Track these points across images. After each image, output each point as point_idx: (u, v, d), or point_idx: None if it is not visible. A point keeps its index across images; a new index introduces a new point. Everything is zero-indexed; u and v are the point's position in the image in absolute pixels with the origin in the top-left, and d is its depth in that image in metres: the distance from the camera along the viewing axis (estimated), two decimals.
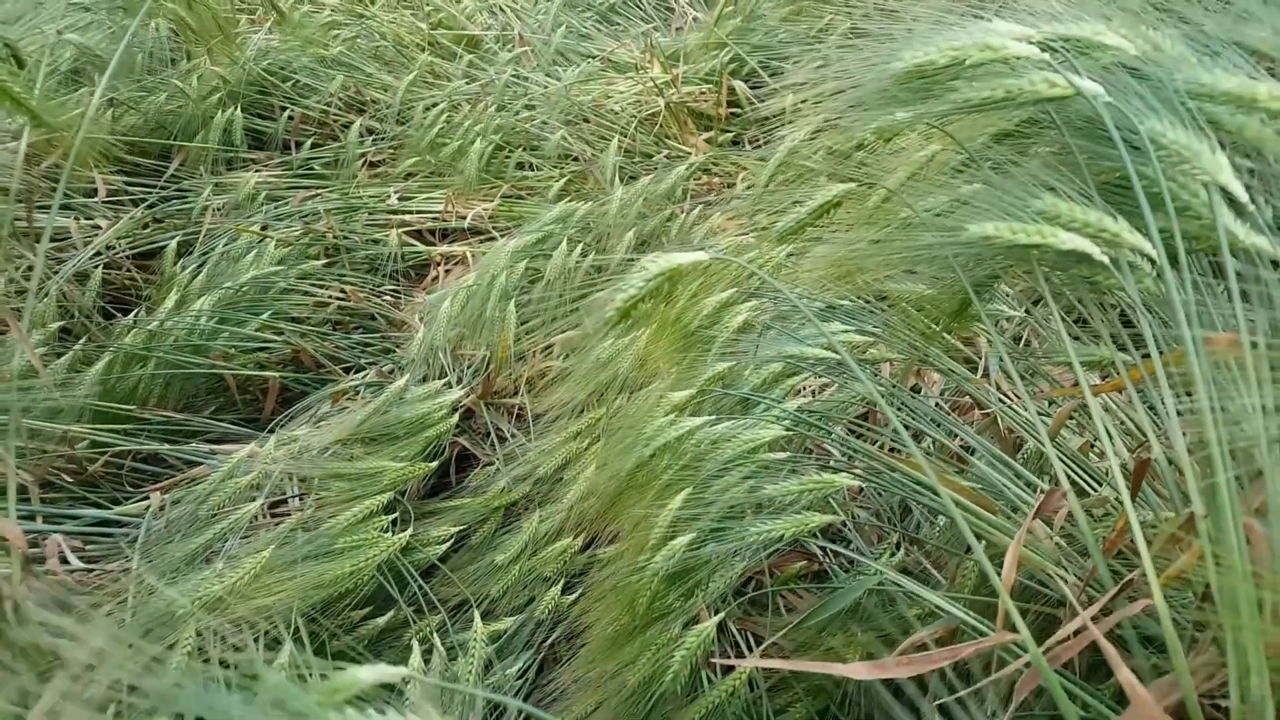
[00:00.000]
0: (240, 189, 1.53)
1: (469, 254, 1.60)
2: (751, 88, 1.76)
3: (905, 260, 0.55)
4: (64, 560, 0.95)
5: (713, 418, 0.70)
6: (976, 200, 0.51)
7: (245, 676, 0.82)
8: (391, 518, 0.95)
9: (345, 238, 1.51)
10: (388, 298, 1.49)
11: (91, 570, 0.98)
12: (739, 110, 1.77)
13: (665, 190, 1.44)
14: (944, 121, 0.54)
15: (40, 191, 1.30)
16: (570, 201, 1.48)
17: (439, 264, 1.61)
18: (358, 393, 1.30)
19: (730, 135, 1.68)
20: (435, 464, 1.06)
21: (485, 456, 1.24)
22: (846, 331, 0.72)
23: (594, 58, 1.88)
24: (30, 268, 1.16)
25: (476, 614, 0.89)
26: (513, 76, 1.77)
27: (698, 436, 0.69)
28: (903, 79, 0.52)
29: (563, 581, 1.04)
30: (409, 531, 0.94)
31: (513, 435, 1.26)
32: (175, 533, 0.99)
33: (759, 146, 1.62)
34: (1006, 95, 0.52)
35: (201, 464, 1.20)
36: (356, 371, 1.35)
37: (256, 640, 0.85)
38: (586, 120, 1.73)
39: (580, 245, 1.41)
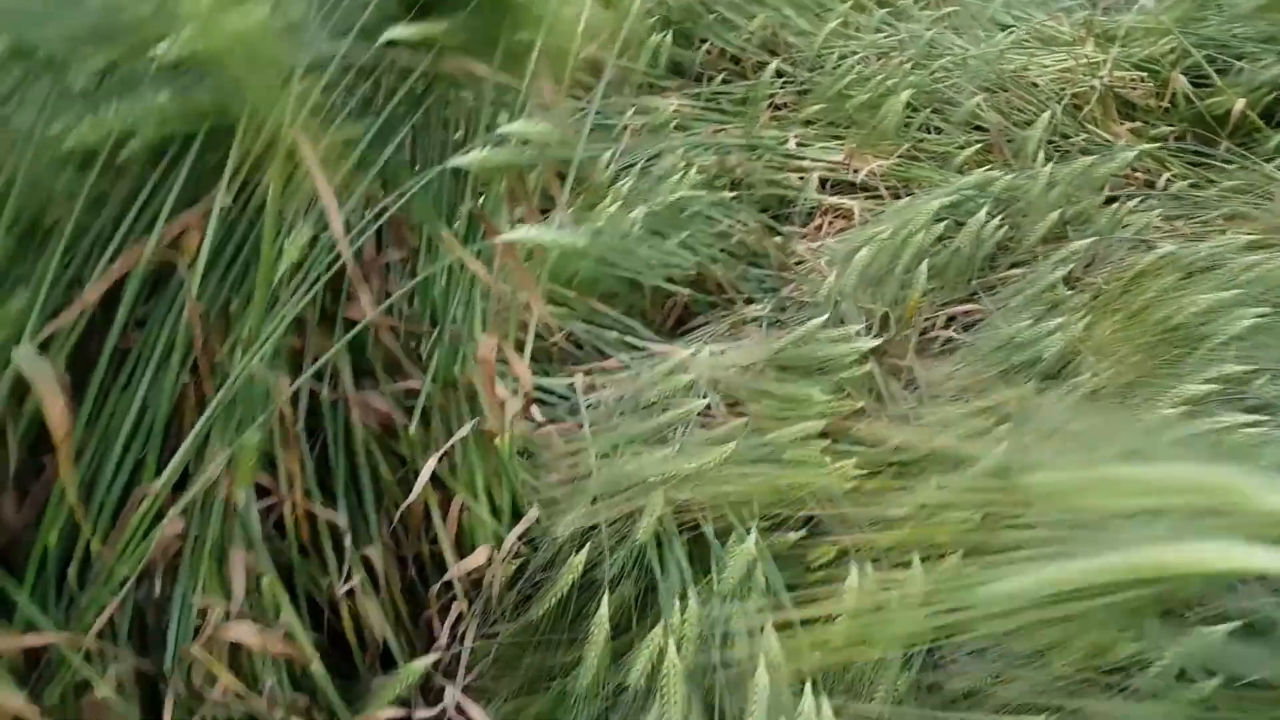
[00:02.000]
0: (658, 114, 1.70)
1: (856, 209, 1.70)
2: (1193, 83, 1.73)
3: None
4: (528, 416, 1.14)
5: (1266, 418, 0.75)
6: None
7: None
8: (824, 444, 1.06)
9: (748, 175, 1.65)
10: (779, 238, 1.62)
11: (540, 425, 1.17)
12: (1172, 105, 1.75)
13: (1103, 175, 1.47)
14: None
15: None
16: (987, 170, 1.54)
17: (825, 214, 1.72)
18: (746, 323, 1.44)
19: (1168, 130, 1.67)
20: (861, 404, 1.16)
21: (873, 410, 1.33)
22: None
23: (1014, 27, 1.91)
24: None
25: (915, 559, 0.99)
26: (934, 37, 1.84)
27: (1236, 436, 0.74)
28: None
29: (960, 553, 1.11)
30: (853, 460, 1.05)
31: (903, 396, 1.35)
32: (618, 412, 1.16)
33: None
34: None
35: (613, 357, 1.38)
36: (748, 302, 1.48)
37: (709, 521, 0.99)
38: (1003, 90, 1.78)
39: (997, 217, 1.47)
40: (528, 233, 0.77)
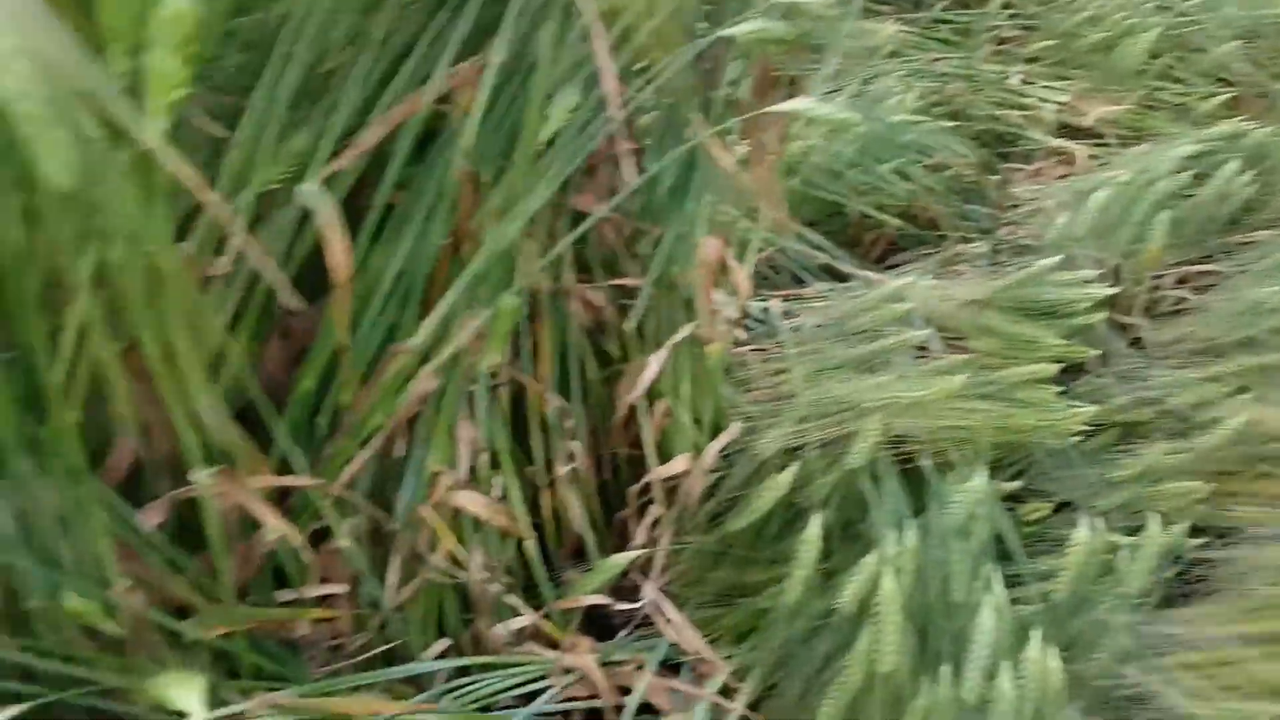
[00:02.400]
0: (875, 36, 1.63)
1: (1080, 155, 1.59)
2: None
3: None
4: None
5: None
6: None
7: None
8: (1059, 390, 1.00)
9: (967, 108, 1.57)
10: (996, 177, 1.53)
11: (737, 345, 1.14)
12: None
13: None
14: None
15: None
16: (1242, 122, 1.42)
17: (1046, 157, 1.62)
18: (959, 261, 1.37)
19: None
20: (1098, 351, 1.10)
21: (1094, 365, 1.25)
22: None
23: None
24: None
25: (1153, 519, 0.93)
26: None
27: None
28: None
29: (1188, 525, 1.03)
30: (1092, 410, 0.99)
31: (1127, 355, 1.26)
32: (821, 338, 1.12)
33: None
34: None
35: (810, 283, 1.34)
36: (962, 240, 1.41)
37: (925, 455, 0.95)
38: (1259, 39, 1.63)
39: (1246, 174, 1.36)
40: (802, 104, 0.73)
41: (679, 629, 0.91)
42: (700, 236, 0.95)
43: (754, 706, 0.86)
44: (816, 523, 0.88)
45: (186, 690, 0.49)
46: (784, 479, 0.93)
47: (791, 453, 0.97)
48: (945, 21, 1.72)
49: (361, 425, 0.70)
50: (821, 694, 0.83)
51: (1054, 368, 1.01)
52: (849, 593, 0.84)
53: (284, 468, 0.70)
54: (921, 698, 0.82)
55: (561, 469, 0.97)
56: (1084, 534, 0.91)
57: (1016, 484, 1.04)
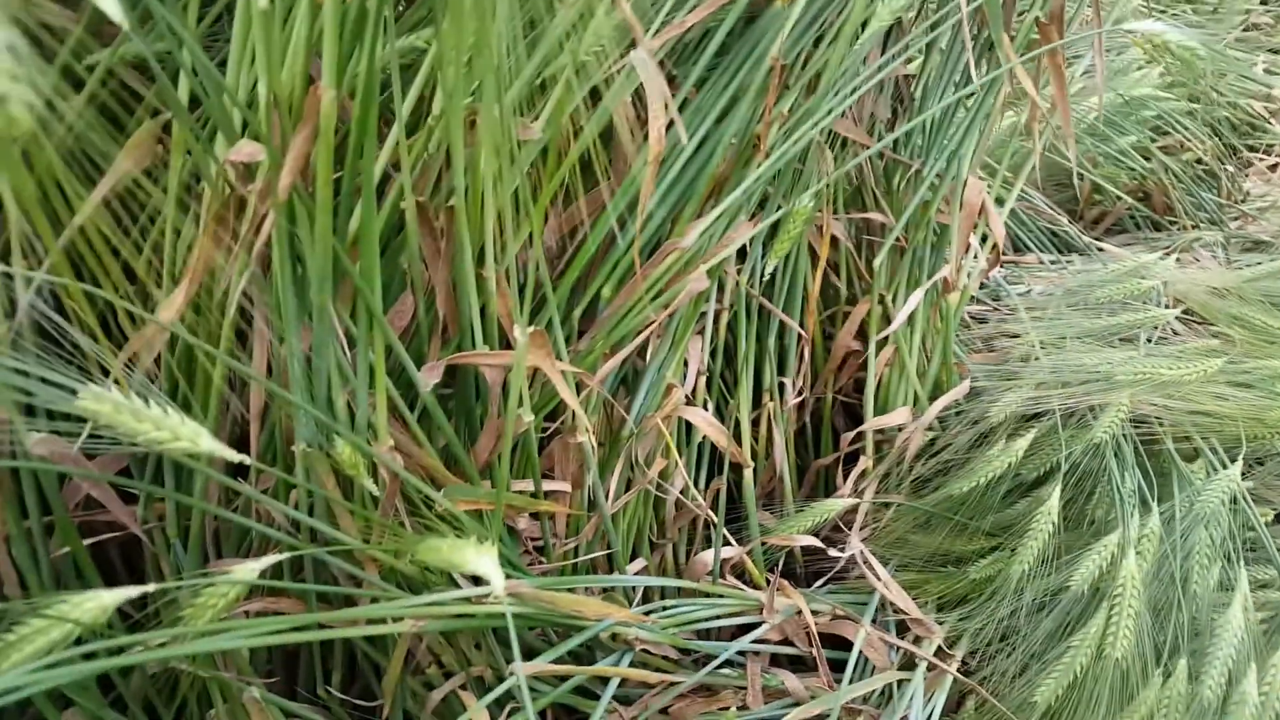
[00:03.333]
0: (1120, 4, 1.53)
1: None
2: None
3: None
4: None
5: None
6: None
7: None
8: None
9: (1207, 91, 1.46)
10: (1231, 168, 1.43)
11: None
12: None
13: None
14: None
15: None
16: None
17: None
18: (1192, 248, 1.28)
19: None
20: None
21: None
22: None
23: None
24: None
25: None
26: None
27: None
28: None
29: None
30: None
31: None
32: (1057, 304, 1.06)
33: None
34: None
35: (1027, 250, 1.28)
36: (1194, 227, 1.32)
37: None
38: None
39: None
40: (1151, 26, 0.67)
41: (888, 586, 0.86)
42: (965, 176, 0.89)
43: (964, 675, 0.82)
44: (1056, 493, 0.83)
45: (481, 554, 0.46)
46: (1019, 445, 0.87)
47: (1024, 420, 0.92)
48: (1191, 1, 1.61)
49: (619, 322, 0.67)
50: (1041, 672, 0.79)
51: None
52: (1084, 571, 0.79)
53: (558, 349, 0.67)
54: (1151, 690, 0.76)
55: (771, 404, 0.94)
56: None
57: (1249, 483, 0.97)
